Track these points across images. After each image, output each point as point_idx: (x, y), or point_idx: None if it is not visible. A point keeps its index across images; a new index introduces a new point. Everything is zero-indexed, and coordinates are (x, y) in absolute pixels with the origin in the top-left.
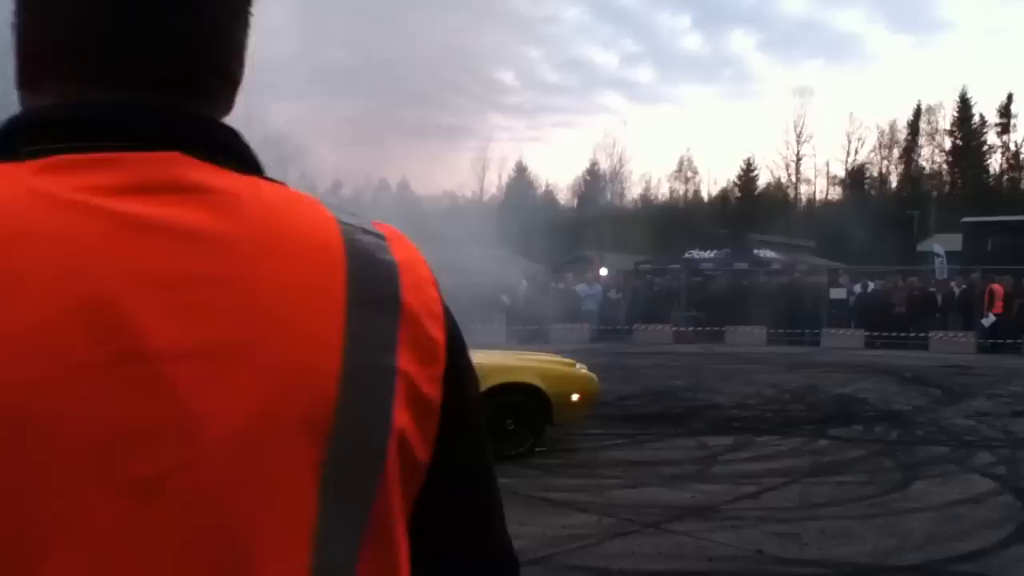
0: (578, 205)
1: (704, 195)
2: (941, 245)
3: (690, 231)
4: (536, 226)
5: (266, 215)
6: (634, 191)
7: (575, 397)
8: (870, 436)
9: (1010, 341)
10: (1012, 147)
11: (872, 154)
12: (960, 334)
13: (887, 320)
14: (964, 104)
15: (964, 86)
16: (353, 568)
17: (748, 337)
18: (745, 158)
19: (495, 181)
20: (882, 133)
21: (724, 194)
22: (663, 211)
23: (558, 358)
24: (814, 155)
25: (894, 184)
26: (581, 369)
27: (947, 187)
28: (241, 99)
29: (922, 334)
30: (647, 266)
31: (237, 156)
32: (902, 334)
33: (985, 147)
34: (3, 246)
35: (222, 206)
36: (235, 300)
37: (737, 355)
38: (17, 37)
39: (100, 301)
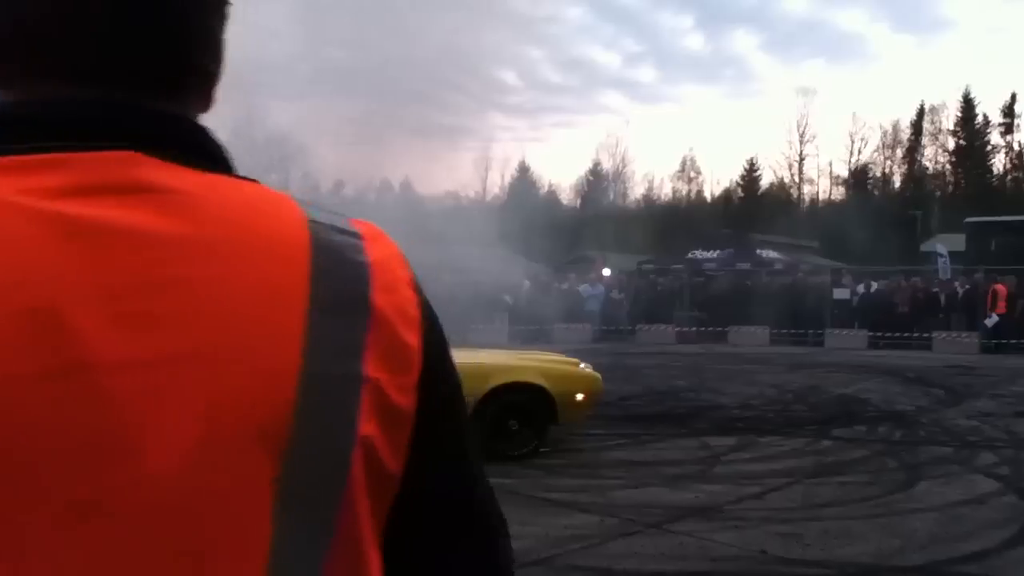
0: (581, 205)
1: (707, 195)
2: (944, 245)
3: (693, 231)
4: (539, 226)
5: (226, 216)
6: (637, 191)
7: (580, 397)
8: (873, 436)
9: (1013, 341)
10: (1016, 147)
11: (875, 154)
12: (963, 334)
13: (890, 320)
14: (968, 104)
15: (967, 86)
16: None
17: (751, 337)
18: (748, 158)
19: (498, 181)
20: (885, 133)
21: (727, 194)
22: (666, 211)
23: (562, 357)
24: (817, 155)
25: (897, 184)
26: (585, 368)
27: (950, 187)
28: (243, 99)
29: (925, 334)
30: (650, 266)
31: (205, 154)
32: (905, 334)
33: (989, 147)
34: None
35: (178, 207)
36: (186, 307)
37: (740, 355)
38: None
39: (41, 310)
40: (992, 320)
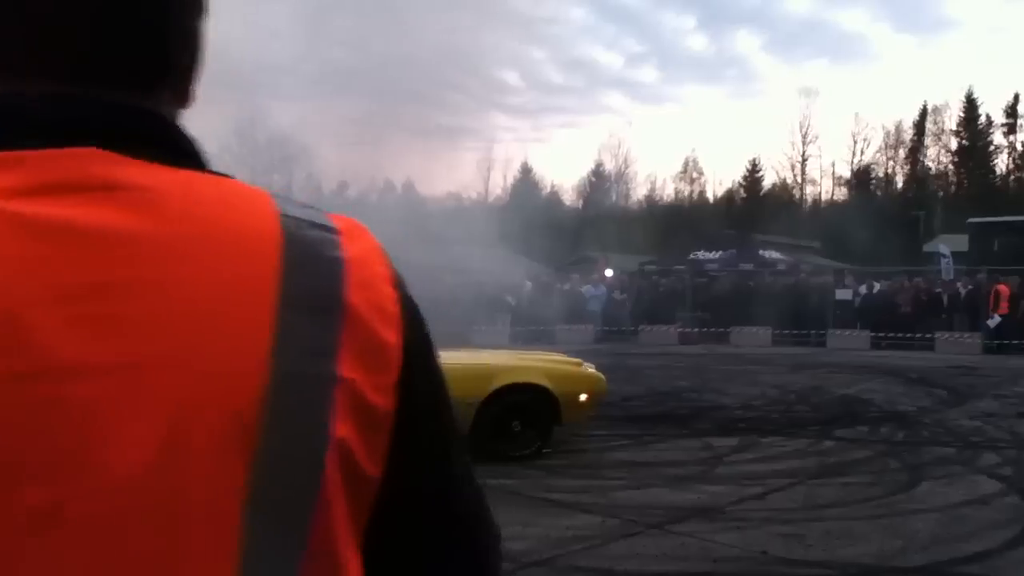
0: (583, 206)
1: (709, 196)
2: (947, 246)
3: (695, 232)
4: (541, 227)
5: (195, 212)
6: (639, 192)
7: (583, 397)
8: (875, 437)
9: (1016, 342)
10: (1019, 147)
11: (878, 154)
12: (966, 335)
13: (893, 321)
14: (970, 104)
15: (970, 86)
16: None
17: (753, 338)
18: (751, 159)
19: (500, 182)
20: (888, 134)
21: (729, 195)
22: (668, 212)
23: (565, 358)
24: (820, 155)
25: (900, 185)
26: (588, 368)
27: (953, 187)
28: (246, 100)
29: (928, 335)
30: (652, 267)
31: (176, 150)
32: (908, 335)
33: (991, 147)
34: None
35: (143, 204)
36: (149, 308)
37: (742, 356)
38: None
39: None
40: (994, 320)
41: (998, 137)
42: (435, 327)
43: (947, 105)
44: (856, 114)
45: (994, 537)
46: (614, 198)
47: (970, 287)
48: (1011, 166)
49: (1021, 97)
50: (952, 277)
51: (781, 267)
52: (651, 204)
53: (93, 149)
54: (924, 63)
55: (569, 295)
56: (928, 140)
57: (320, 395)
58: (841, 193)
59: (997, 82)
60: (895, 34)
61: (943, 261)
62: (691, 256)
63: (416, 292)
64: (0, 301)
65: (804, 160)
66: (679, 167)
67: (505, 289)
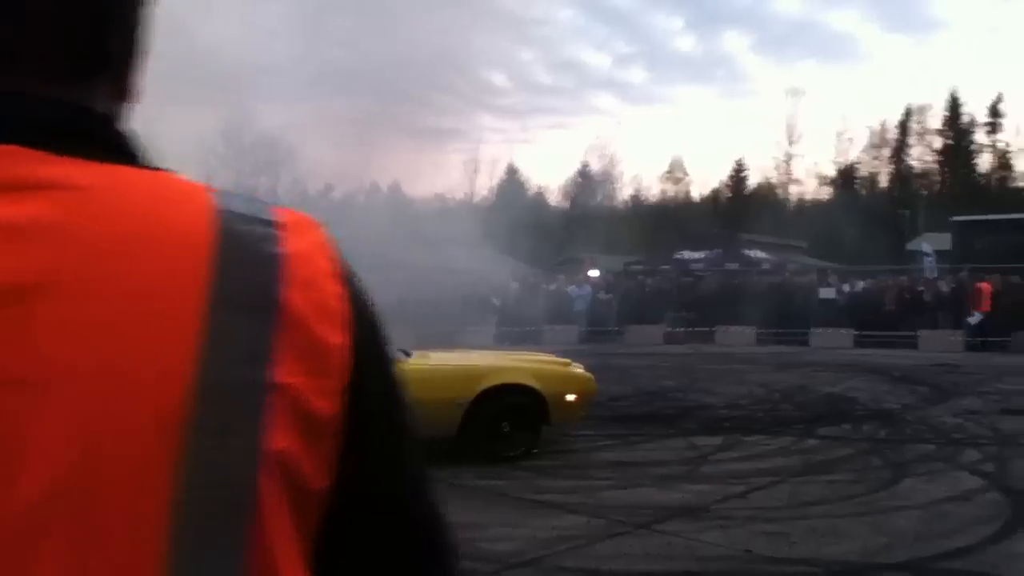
0: (569, 206)
1: (695, 195)
2: (930, 244)
3: (681, 231)
4: (527, 228)
5: (123, 209)
6: (625, 192)
7: (571, 397)
8: (859, 435)
9: (998, 339)
10: (1001, 146)
11: (862, 154)
12: (949, 332)
13: (876, 319)
14: (954, 104)
15: (954, 86)
16: None
17: (738, 337)
18: (736, 158)
19: (486, 183)
20: (872, 133)
21: (715, 194)
22: (654, 212)
23: (553, 358)
24: (804, 155)
25: (884, 184)
26: (577, 369)
27: (937, 186)
28: (234, 101)
29: (911, 333)
30: (638, 267)
31: (109, 145)
32: (891, 333)
33: (974, 147)
34: None
35: (63, 202)
36: (62, 314)
37: (728, 355)
38: None
39: None
40: (975, 318)
41: (981, 136)
42: (421, 328)
43: (931, 105)
44: (842, 114)
45: (976, 532)
46: (600, 198)
47: (953, 285)
48: (994, 165)
49: (1004, 97)
50: (935, 275)
51: (766, 266)
52: (637, 204)
53: (13, 147)
54: (908, 64)
55: (555, 295)
56: (912, 139)
57: (253, 403)
58: (826, 192)
59: (980, 82)
60: (881, 34)
61: (926, 259)
62: (677, 256)
63: (402, 293)
64: None
65: (789, 159)
66: (665, 167)
67: (490, 290)
